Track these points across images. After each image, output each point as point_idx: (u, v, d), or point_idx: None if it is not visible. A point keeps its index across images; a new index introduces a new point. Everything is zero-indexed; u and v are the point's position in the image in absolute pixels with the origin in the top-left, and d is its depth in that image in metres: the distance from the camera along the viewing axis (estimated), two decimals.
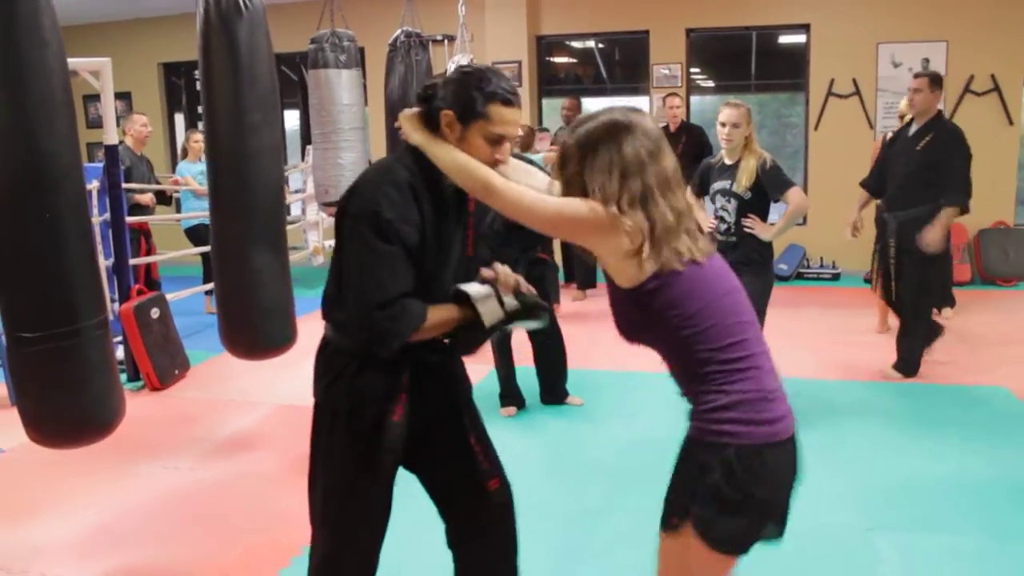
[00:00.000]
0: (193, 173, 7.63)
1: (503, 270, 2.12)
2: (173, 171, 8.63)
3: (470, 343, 2.11)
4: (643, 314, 1.84)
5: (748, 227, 4.22)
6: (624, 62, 10.16)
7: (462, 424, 2.27)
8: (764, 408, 1.80)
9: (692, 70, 9.30)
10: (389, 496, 2.20)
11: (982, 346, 6.04)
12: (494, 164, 2.01)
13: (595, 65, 10.17)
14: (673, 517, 1.86)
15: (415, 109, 2.09)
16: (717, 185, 4.37)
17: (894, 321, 6.36)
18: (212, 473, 4.13)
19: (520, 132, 2.02)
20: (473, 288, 2.06)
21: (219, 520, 3.61)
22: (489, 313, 2.03)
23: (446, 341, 2.15)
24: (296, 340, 3.67)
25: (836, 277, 8.53)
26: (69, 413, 2.67)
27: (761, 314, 3.89)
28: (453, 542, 2.32)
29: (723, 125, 4.26)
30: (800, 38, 8.96)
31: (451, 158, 1.99)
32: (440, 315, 2.04)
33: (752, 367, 1.81)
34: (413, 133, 2.06)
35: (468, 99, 1.99)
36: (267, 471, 4.12)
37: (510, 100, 2.01)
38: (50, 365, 2.57)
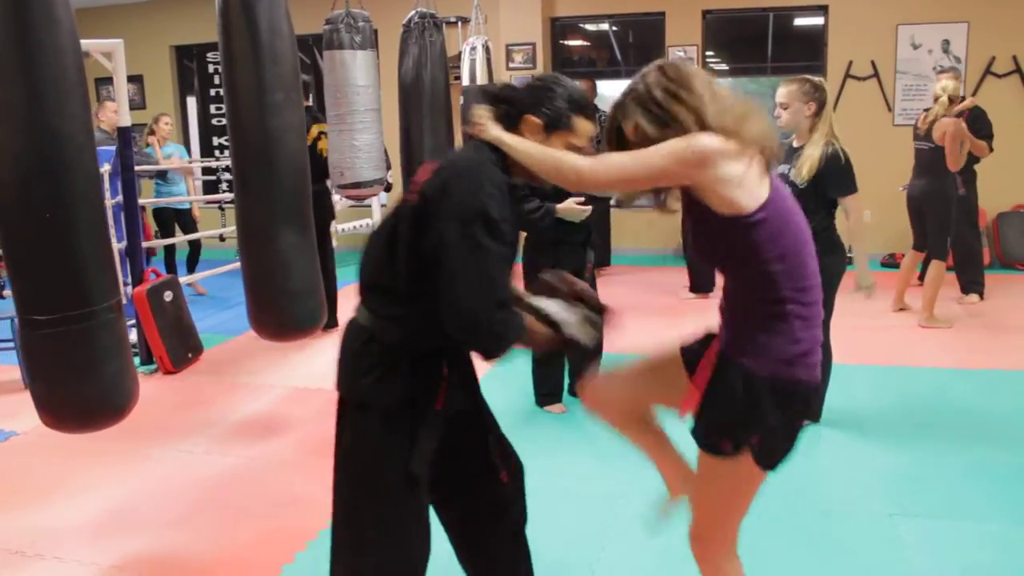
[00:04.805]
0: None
1: (567, 278, 2.19)
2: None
3: (582, 364, 2.13)
4: (737, 244, 1.90)
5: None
6: (639, 44, 10.05)
7: (482, 417, 2.28)
8: (817, 352, 1.96)
9: (707, 52, 9.20)
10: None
11: (1003, 331, 5.97)
12: None
13: (610, 48, 10.07)
14: (725, 444, 1.96)
15: (491, 107, 2.12)
16: (781, 168, 3.93)
17: (910, 300, 6.38)
18: (226, 457, 4.12)
19: None
20: (559, 313, 2.07)
21: (233, 504, 3.59)
22: (586, 335, 2.07)
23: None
24: (325, 320, 3.63)
25: (850, 261, 8.39)
26: (82, 397, 2.64)
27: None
28: (455, 536, 2.32)
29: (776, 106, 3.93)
30: (818, 20, 8.84)
31: (539, 152, 2.03)
32: (535, 334, 2.05)
33: (815, 315, 1.95)
34: (494, 130, 2.08)
35: (556, 110, 2.06)
36: (281, 455, 4.10)
37: (592, 115, 2.12)
38: (62, 348, 2.55)
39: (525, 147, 2.04)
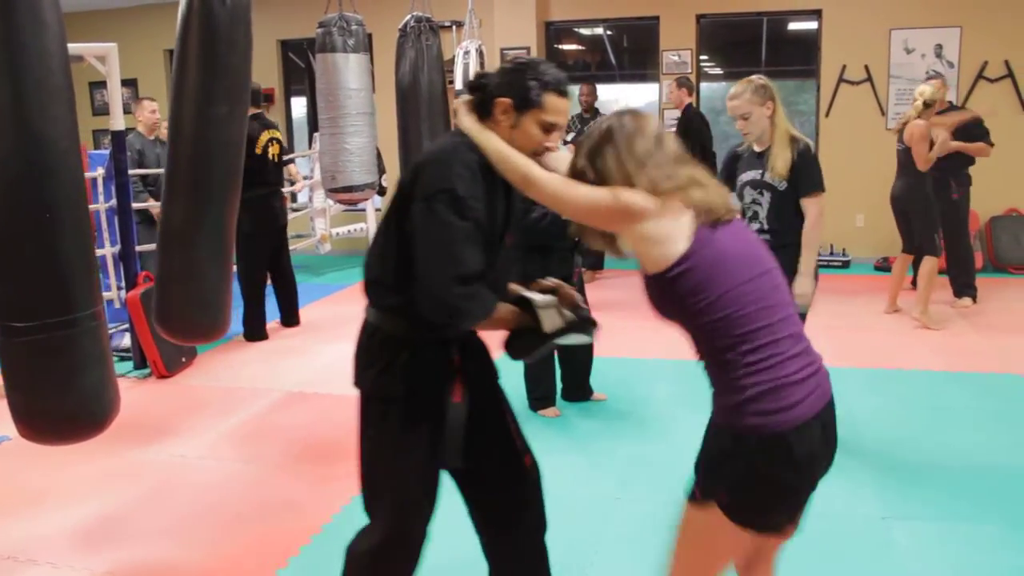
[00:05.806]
0: None
1: (562, 284, 2.21)
2: None
3: (528, 349, 2.15)
4: (667, 299, 1.88)
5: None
6: (633, 48, 10.09)
7: (498, 404, 2.32)
8: (783, 395, 1.80)
9: (701, 57, 9.22)
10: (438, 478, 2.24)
11: (995, 333, 5.98)
12: (544, 151, 2.10)
13: (604, 52, 10.10)
14: (696, 491, 1.90)
15: (468, 97, 2.15)
16: (746, 176, 3.83)
17: (902, 303, 6.42)
18: (220, 462, 4.11)
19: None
20: (537, 296, 2.13)
21: (228, 509, 3.58)
22: (550, 322, 2.10)
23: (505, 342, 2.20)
24: (227, 330, 3.60)
25: (846, 265, 8.46)
26: (60, 407, 2.55)
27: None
28: (485, 525, 2.35)
29: (735, 119, 3.78)
30: (812, 24, 8.87)
31: (495, 147, 2.05)
32: (503, 312, 2.10)
33: (772, 355, 1.82)
34: (464, 119, 2.11)
35: (524, 88, 2.06)
36: (275, 459, 4.09)
37: (564, 91, 2.10)
38: (42, 356, 2.47)
39: (486, 140, 2.06)
